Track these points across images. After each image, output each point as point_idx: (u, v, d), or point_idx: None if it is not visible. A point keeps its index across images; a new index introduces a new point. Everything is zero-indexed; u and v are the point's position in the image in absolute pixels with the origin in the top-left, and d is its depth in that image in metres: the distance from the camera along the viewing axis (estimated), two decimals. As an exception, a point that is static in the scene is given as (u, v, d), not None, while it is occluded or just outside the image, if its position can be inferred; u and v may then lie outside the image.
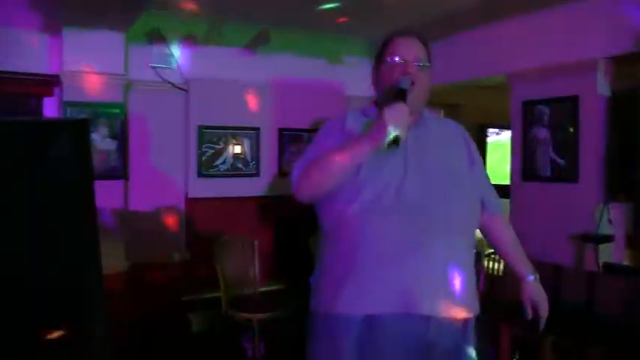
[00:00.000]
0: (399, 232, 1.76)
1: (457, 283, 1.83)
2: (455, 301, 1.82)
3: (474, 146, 2.08)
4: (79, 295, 1.94)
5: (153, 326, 4.49)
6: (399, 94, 1.78)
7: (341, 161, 1.76)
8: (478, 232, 2.10)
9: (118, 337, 4.17)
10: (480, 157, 2.08)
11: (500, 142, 7.73)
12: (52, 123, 2.36)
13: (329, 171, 1.78)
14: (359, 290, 1.78)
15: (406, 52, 1.92)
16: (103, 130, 4.38)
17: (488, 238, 2.16)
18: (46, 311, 1.81)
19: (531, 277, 2.10)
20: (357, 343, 1.79)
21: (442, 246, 1.78)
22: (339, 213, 1.83)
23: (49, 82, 4.30)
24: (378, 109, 1.91)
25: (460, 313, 1.84)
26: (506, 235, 2.16)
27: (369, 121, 1.86)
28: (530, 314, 2.10)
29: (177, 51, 4.84)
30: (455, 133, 2.07)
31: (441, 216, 1.80)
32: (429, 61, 1.98)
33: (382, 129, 1.68)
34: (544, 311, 2.09)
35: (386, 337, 1.77)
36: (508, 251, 2.15)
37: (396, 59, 1.91)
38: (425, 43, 1.99)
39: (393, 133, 1.67)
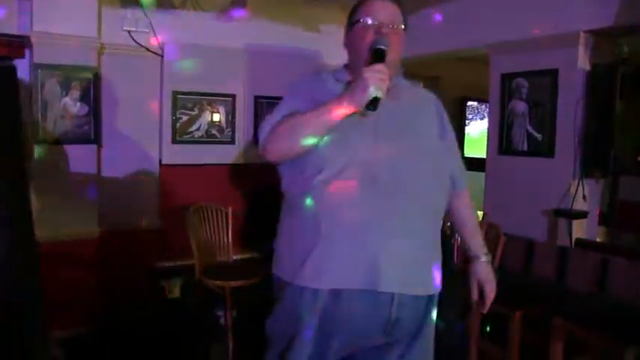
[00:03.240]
0: (366, 204, 1.71)
1: (424, 259, 1.82)
2: (420, 278, 1.81)
3: (446, 117, 2.03)
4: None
5: (124, 293, 4.46)
6: (378, 55, 1.74)
7: (315, 123, 1.71)
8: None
9: (88, 304, 4.16)
10: (452, 129, 2.06)
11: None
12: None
13: (303, 130, 1.72)
14: (324, 264, 1.73)
15: (380, 14, 1.85)
16: (75, 94, 4.27)
17: (450, 212, 2.10)
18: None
19: (484, 258, 2.06)
20: (318, 316, 1.76)
21: (410, 220, 1.76)
22: (305, 181, 1.76)
23: (20, 44, 4.16)
24: (350, 72, 1.88)
25: (425, 290, 1.83)
26: (467, 213, 2.12)
27: (346, 82, 1.82)
28: (475, 295, 2.06)
29: (152, 15, 4.70)
30: (428, 102, 2.02)
31: (410, 189, 1.76)
32: (405, 24, 1.91)
33: (362, 89, 1.63)
34: (491, 293, 2.04)
35: (349, 313, 1.75)
36: (466, 228, 2.10)
37: (370, 21, 1.85)
38: (400, 5, 1.91)
39: (373, 93, 1.63)
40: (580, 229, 3.88)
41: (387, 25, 1.83)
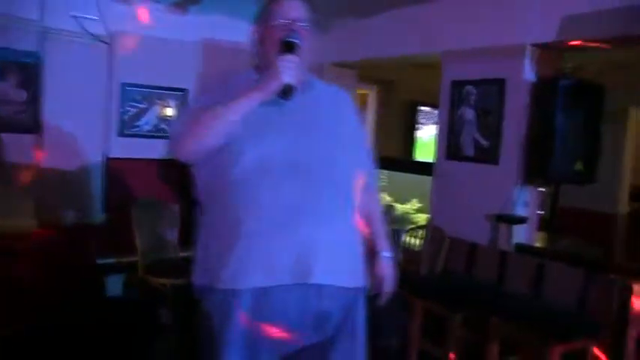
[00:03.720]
0: (286, 196, 1.70)
1: (350, 248, 1.83)
2: (349, 268, 1.81)
3: (356, 111, 2.07)
4: None
5: (63, 290, 4.34)
6: (289, 47, 1.76)
7: (227, 113, 1.68)
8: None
9: (24, 302, 4.03)
10: (362, 124, 2.07)
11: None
12: None
13: (213, 123, 1.69)
14: (247, 262, 1.69)
15: (290, 13, 1.86)
16: (13, 79, 4.10)
17: (359, 206, 2.02)
18: None
19: (387, 254, 2.04)
20: (246, 318, 1.70)
21: (332, 210, 1.76)
22: (220, 179, 1.74)
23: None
24: (260, 73, 1.84)
25: (354, 281, 1.83)
26: (375, 207, 2.11)
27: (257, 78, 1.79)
28: (375, 289, 2.02)
29: (102, 1, 4.58)
30: (340, 97, 2.04)
31: (329, 180, 1.77)
32: (310, 24, 1.92)
33: (274, 77, 1.67)
34: (389, 288, 2.03)
35: (277, 310, 1.71)
36: (372, 222, 2.06)
37: (280, 20, 1.85)
38: (306, 6, 1.93)
39: (284, 80, 1.68)
40: (520, 234, 4.00)
41: (296, 23, 1.85)
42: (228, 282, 1.70)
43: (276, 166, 1.71)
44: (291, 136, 1.76)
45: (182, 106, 1.60)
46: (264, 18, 1.91)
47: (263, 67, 1.85)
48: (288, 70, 1.68)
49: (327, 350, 1.82)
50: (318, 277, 1.71)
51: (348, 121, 1.99)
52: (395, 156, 7.12)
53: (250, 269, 1.69)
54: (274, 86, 1.68)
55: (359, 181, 1.91)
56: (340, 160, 1.82)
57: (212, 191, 1.79)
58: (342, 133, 1.90)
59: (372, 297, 1.99)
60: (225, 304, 1.71)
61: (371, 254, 2.00)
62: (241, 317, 1.69)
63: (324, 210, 1.74)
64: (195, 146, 1.73)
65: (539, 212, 4.35)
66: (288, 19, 1.85)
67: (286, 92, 1.71)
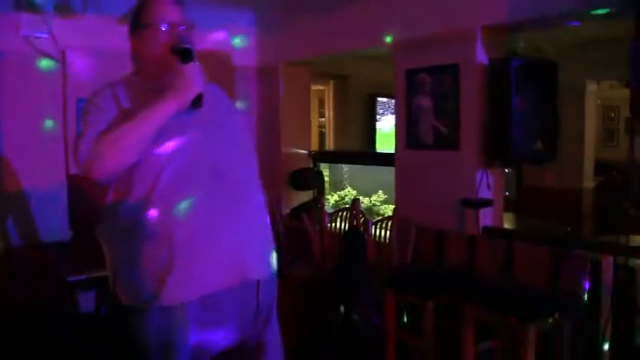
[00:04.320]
0: (212, 201, 1.73)
1: (267, 242, 1.92)
2: (270, 260, 1.91)
3: (236, 107, 2.17)
4: None
5: (34, 311, 4.27)
6: (187, 54, 1.76)
7: (143, 128, 1.66)
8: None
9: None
10: (245, 117, 2.15)
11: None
12: None
13: (130, 141, 1.65)
14: (186, 275, 1.69)
15: (170, 15, 1.84)
16: (-32, 104, 4.05)
17: None
18: None
19: None
20: (192, 326, 1.72)
21: (248, 209, 1.84)
22: (140, 199, 1.69)
23: None
24: (144, 80, 1.85)
25: (274, 269, 1.93)
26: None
27: (149, 90, 1.76)
28: None
29: (51, 19, 4.52)
30: (226, 98, 2.08)
31: (240, 180, 1.84)
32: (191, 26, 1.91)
33: (186, 88, 1.69)
34: None
35: (222, 313, 1.76)
36: None
37: (161, 23, 1.82)
38: (183, 5, 1.91)
39: (196, 90, 1.71)
40: (487, 217, 4.03)
41: (179, 26, 1.83)
42: (173, 297, 1.69)
43: (195, 173, 1.73)
44: (198, 142, 1.77)
45: (82, 122, 1.55)
46: (140, 21, 1.86)
47: (146, 75, 1.86)
48: (197, 78, 1.71)
49: (261, 335, 1.92)
50: (255, 273, 1.82)
51: (238, 117, 2.12)
52: (356, 149, 7.14)
53: (192, 279, 1.70)
54: (186, 98, 1.70)
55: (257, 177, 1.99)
56: (244, 160, 1.92)
57: (132, 212, 1.71)
58: (237, 132, 1.98)
59: None
60: (168, 322, 1.71)
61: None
62: (187, 330, 1.71)
63: (243, 209, 1.81)
64: (113, 167, 1.66)
65: (504, 194, 4.40)
66: (169, 23, 1.82)
67: (198, 100, 1.73)
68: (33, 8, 4.41)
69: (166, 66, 1.76)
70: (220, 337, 1.78)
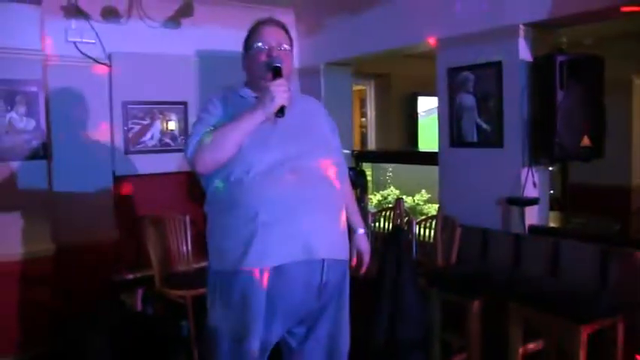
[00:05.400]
0: (291, 192, 2.11)
1: (338, 230, 2.26)
2: (339, 245, 2.27)
3: (331, 118, 2.51)
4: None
5: (84, 310, 4.38)
6: (276, 71, 2.18)
7: (237, 133, 2.10)
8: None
9: (46, 324, 4.08)
10: (336, 127, 2.51)
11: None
12: None
13: (226, 143, 2.10)
14: (266, 246, 2.08)
15: (270, 39, 2.29)
16: (21, 109, 4.18)
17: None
18: None
19: (362, 231, 2.57)
20: (266, 292, 2.09)
21: (324, 200, 2.20)
22: (235, 182, 2.12)
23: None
24: (252, 89, 2.31)
25: (345, 254, 2.31)
26: (349, 195, 2.58)
27: (253, 97, 2.25)
28: (354, 262, 2.52)
29: (97, 25, 4.65)
30: (317, 107, 2.53)
31: (320, 175, 2.21)
32: (291, 46, 2.38)
33: (270, 100, 2.09)
34: (367, 259, 2.57)
35: (291, 283, 2.12)
36: (348, 206, 2.46)
37: (262, 45, 2.28)
38: (285, 30, 2.37)
39: (279, 103, 2.09)
40: (533, 216, 3.97)
41: (276, 48, 2.28)
42: (254, 263, 2.08)
43: (277, 170, 2.12)
44: (285, 144, 2.18)
45: (195, 122, 2.25)
46: (248, 44, 2.35)
47: (252, 86, 2.32)
48: (281, 93, 2.10)
49: (321, 314, 2.27)
50: (322, 252, 2.15)
51: (324, 125, 2.43)
52: (398, 149, 7.11)
53: (270, 251, 2.09)
54: (271, 109, 2.10)
55: (340, 175, 2.35)
56: (323, 160, 2.25)
57: (227, 192, 2.15)
58: (323, 137, 2.36)
59: (353, 268, 2.49)
60: (249, 282, 2.09)
61: (349, 232, 2.45)
62: (264, 292, 2.09)
63: (317, 200, 2.17)
64: (213, 162, 2.13)
65: (550, 192, 4.33)
66: (268, 45, 2.28)
67: (281, 111, 2.12)
68: (81, 15, 4.53)
69: (261, 81, 2.22)
70: (287, 305, 2.15)
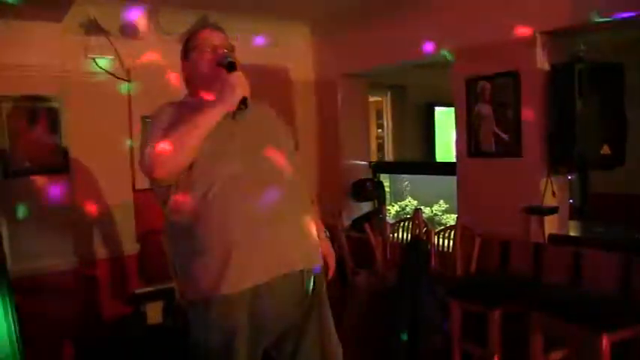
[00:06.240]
0: (260, 205, 2.00)
1: (312, 238, 2.21)
2: (314, 254, 2.22)
3: (282, 121, 2.43)
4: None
5: (106, 323, 4.42)
6: (231, 65, 2.07)
7: (197, 129, 1.92)
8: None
9: (69, 337, 4.11)
10: (289, 129, 2.45)
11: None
12: None
13: (186, 141, 1.91)
14: (244, 267, 1.96)
15: (212, 39, 2.21)
16: (43, 124, 4.25)
17: None
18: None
19: (324, 236, 2.47)
20: (248, 313, 2.00)
21: (296, 209, 2.14)
22: (198, 199, 1.97)
23: (-18, 77, 4.14)
24: (196, 97, 2.15)
25: (319, 262, 2.23)
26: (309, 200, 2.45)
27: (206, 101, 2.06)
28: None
29: (116, 41, 4.71)
30: (271, 113, 2.41)
31: (286, 183, 2.12)
32: (233, 50, 2.27)
33: (231, 90, 1.98)
34: (332, 263, 2.47)
35: (272, 300, 2.04)
36: None
37: (205, 46, 2.19)
38: (224, 33, 2.30)
39: (240, 94, 1.99)
40: (552, 225, 3.95)
41: (221, 48, 2.19)
42: (233, 286, 1.97)
43: (243, 179, 2.01)
44: (247, 151, 2.08)
45: (145, 135, 1.95)
46: (188, 48, 2.25)
47: (199, 91, 2.13)
48: (242, 84, 2.01)
49: (306, 324, 2.18)
50: (300, 263, 2.10)
51: (279, 129, 2.36)
52: (416, 159, 7.10)
53: (248, 271, 1.98)
54: (232, 99, 1.99)
55: (303, 179, 2.30)
56: (286, 167, 2.17)
57: (192, 212, 1.98)
58: (283, 142, 2.27)
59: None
60: (229, 305, 1.98)
61: None
62: (245, 314, 1.99)
63: (287, 209, 2.09)
64: (174, 163, 1.92)
65: (570, 201, 4.30)
66: (212, 45, 2.19)
67: (244, 103, 2.03)
68: (100, 31, 4.59)
69: (213, 80, 2.07)
70: (270, 321, 2.07)
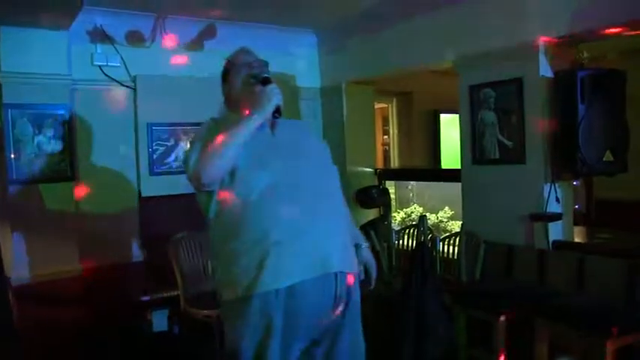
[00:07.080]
0: (297, 208, 2.11)
1: (346, 244, 2.29)
2: (349, 259, 2.27)
3: (318, 134, 2.55)
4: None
5: (111, 329, 4.43)
6: (266, 79, 2.24)
7: (235, 138, 2.07)
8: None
9: (73, 344, 4.12)
10: (326, 144, 2.59)
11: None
12: None
13: (225, 150, 2.05)
14: (280, 266, 2.06)
15: (247, 58, 2.41)
16: (49, 132, 4.29)
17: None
18: None
19: (364, 245, 2.53)
20: (282, 312, 2.07)
21: (331, 216, 2.22)
22: (239, 204, 2.10)
23: (-11, 84, 4.17)
24: (235, 111, 2.28)
25: (353, 267, 2.29)
26: (346, 210, 2.53)
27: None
28: (363, 275, 2.48)
29: (122, 49, 4.75)
30: (307, 126, 2.75)
31: (324, 191, 2.26)
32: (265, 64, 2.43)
33: (267, 100, 2.13)
34: (374, 272, 2.54)
35: (307, 299, 2.10)
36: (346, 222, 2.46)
37: (243, 63, 2.38)
38: (254, 53, 2.47)
39: (275, 101, 2.13)
40: (556, 231, 3.95)
41: (255, 64, 2.37)
42: (269, 284, 2.06)
43: (281, 187, 2.13)
44: (285, 162, 2.19)
45: (190, 146, 2.18)
46: (229, 72, 2.43)
47: (238, 106, 2.28)
48: (276, 94, 2.15)
49: (339, 328, 2.23)
50: (335, 266, 2.15)
51: (313, 140, 2.55)
52: (421, 166, 7.11)
53: (284, 270, 2.07)
54: (267, 109, 2.13)
55: (339, 189, 2.42)
56: (322, 175, 2.32)
57: (232, 215, 2.12)
58: (317, 153, 2.42)
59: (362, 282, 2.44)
60: (265, 304, 2.06)
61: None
62: (280, 312, 2.07)
63: (323, 213, 2.19)
64: (213, 170, 2.06)
65: (574, 207, 4.29)
66: (249, 61, 2.38)
67: (278, 112, 2.16)
68: (106, 39, 4.63)
69: (250, 94, 2.22)
70: (304, 321, 2.13)
